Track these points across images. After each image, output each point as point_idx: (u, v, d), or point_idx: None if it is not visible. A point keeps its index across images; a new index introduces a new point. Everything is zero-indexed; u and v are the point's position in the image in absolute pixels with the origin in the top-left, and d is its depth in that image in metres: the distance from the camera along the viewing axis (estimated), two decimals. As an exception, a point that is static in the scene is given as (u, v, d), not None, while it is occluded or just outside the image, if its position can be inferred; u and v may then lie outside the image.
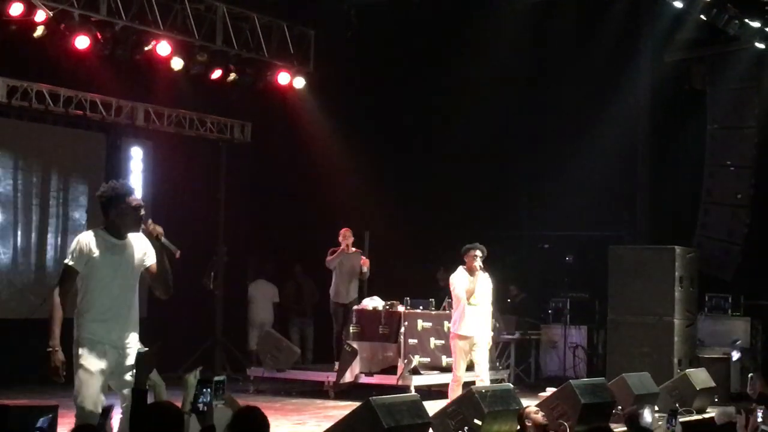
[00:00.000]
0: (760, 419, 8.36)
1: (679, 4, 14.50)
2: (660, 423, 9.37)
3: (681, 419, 7.68)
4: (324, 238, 15.22)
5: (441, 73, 17.39)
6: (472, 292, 11.42)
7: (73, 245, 6.71)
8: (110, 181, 6.96)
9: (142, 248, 6.80)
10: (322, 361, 14.62)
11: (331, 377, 13.45)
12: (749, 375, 10.07)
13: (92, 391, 6.50)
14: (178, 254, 6.76)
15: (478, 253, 11.46)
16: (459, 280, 11.51)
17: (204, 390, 5.35)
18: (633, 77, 16.74)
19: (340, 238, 14.26)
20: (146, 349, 6.01)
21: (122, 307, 6.70)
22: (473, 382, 10.94)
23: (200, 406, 5.34)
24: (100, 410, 6.49)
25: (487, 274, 11.63)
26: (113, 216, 6.71)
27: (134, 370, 5.90)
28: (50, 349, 6.48)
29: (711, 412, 11.76)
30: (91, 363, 6.52)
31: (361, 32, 16.74)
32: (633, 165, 17.02)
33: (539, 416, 8.81)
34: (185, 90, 15.24)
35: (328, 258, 14.22)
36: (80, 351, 6.56)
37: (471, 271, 11.46)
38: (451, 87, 17.04)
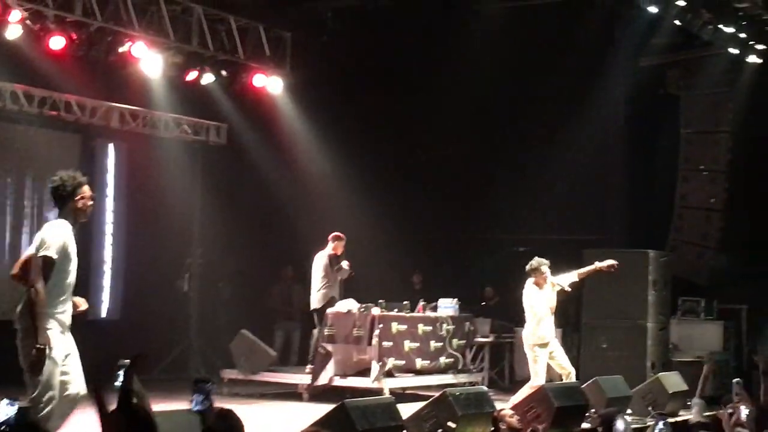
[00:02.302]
0: (743, 416, 8.52)
1: (654, 9, 14.55)
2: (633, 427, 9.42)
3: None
4: (301, 240, 15.17)
5: (417, 76, 17.39)
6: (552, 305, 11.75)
7: (54, 238, 6.65)
8: (60, 172, 6.92)
9: None
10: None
11: (305, 380, 13.42)
12: (734, 381, 10.30)
13: (78, 372, 6.65)
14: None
15: (546, 268, 11.73)
16: (534, 294, 11.70)
17: (197, 394, 5.37)
18: (608, 82, 16.80)
19: (339, 242, 13.86)
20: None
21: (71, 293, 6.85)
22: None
23: (198, 408, 5.36)
24: (85, 390, 6.59)
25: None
26: (78, 205, 6.78)
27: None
28: (41, 346, 6.43)
29: (684, 416, 11.82)
30: (69, 346, 6.67)
31: (338, 35, 16.73)
32: (608, 169, 17.07)
33: (513, 419, 8.82)
34: (160, 91, 15.19)
35: (333, 264, 13.71)
36: (56, 337, 6.59)
37: (540, 285, 11.69)
38: (427, 91, 17.02)
